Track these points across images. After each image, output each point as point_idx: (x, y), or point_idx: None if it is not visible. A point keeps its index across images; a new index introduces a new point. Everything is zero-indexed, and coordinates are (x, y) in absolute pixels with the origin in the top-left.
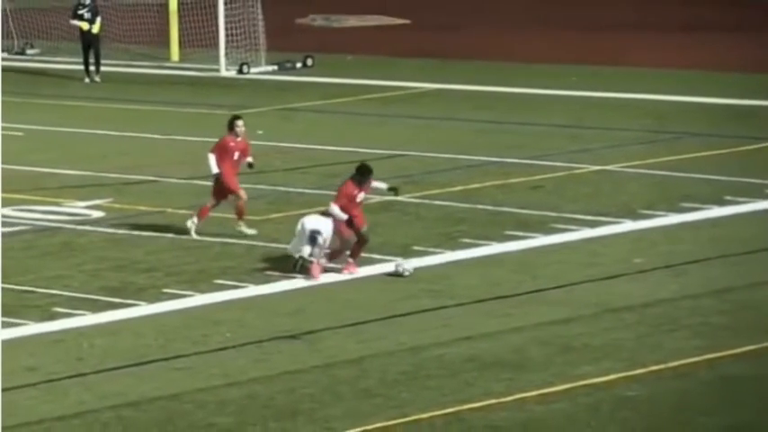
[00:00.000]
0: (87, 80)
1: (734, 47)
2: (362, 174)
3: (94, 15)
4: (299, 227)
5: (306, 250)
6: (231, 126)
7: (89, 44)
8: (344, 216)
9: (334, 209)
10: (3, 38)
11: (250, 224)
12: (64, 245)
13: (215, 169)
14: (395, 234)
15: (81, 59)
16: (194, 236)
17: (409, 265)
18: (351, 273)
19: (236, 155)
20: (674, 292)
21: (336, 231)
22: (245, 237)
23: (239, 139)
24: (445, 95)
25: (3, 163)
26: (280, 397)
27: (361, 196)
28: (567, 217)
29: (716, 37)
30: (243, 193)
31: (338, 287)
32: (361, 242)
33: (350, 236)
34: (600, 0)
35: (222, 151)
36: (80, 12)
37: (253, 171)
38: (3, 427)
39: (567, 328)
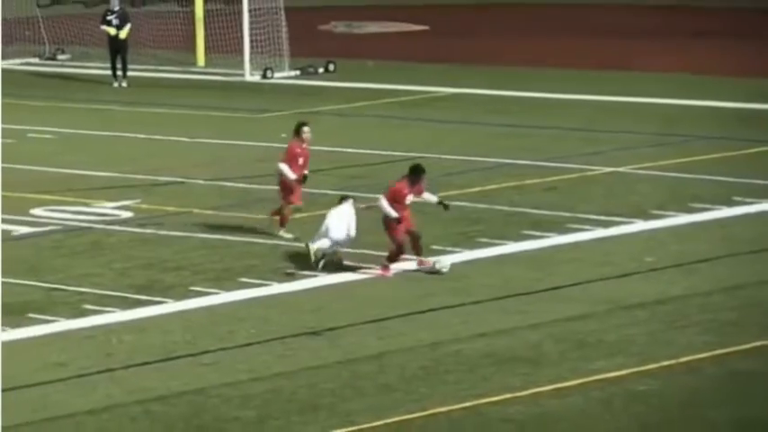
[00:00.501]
0: (116, 84)
1: (741, 52)
2: (416, 174)
3: (123, 22)
4: (323, 228)
5: (325, 243)
6: (298, 132)
7: (117, 49)
8: (394, 213)
9: (383, 203)
10: (35, 43)
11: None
12: (93, 244)
13: (293, 175)
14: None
15: (110, 64)
16: (286, 236)
17: (447, 261)
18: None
19: (301, 161)
20: (685, 290)
21: (388, 235)
22: (278, 238)
23: (304, 145)
24: (462, 99)
25: (35, 165)
26: (302, 391)
27: (410, 198)
28: (580, 217)
29: (723, 43)
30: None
31: (359, 285)
32: (415, 238)
33: (401, 238)
34: (611, 7)
35: (291, 157)
36: (108, 18)
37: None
38: (36, 421)
39: (582, 324)
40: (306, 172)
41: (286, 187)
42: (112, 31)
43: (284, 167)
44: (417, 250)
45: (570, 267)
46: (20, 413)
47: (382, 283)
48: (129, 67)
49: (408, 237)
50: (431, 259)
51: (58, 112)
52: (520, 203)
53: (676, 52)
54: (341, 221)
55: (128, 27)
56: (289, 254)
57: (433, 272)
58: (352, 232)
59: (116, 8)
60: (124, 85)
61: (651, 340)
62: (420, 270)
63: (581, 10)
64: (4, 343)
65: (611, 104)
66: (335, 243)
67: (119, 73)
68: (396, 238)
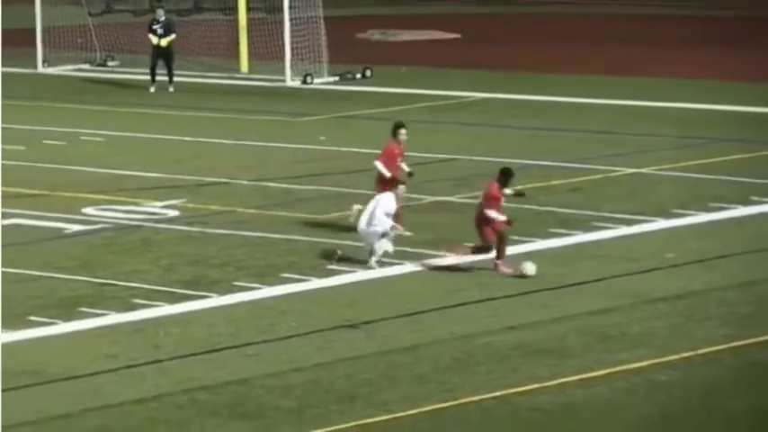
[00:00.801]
0: (152, 89)
1: (756, 59)
2: (506, 175)
3: (167, 32)
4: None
5: (386, 246)
6: (395, 133)
7: (161, 57)
8: (503, 217)
9: (493, 213)
10: (87, 50)
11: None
12: (142, 241)
13: (388, 173)
14: (449, 232)
15: (149, 70)
16: (405, 233)
17: (531, 266)
18: (505, 272)
19: (399, 160)
20: (704, 285)
21: (480, 235)
22: (318, 236)
23: (401, 146)
24: (491, 104)
25: (87, 166)
26: (340, 381)
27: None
28: (605, 216)
29: (738, 50)
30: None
31: (394, 280)
32: (502, 239)
33: (493, 239)
34: (634, 17)
35: (389, 158)
36: (154, 27)
37: (317, 173)
38: (88, 409)
39: (606, 317)
40: (408, 169)
41: (384, 185)
42: (155, 39)
43: (380, 165)
44: (501, 253)
45: (595, 263)
46: (73, 402)
47: (416, 278)
48: (177, 72)
49: (496, 238)
50: (524, 264)
51: (108, 115)
52: (547, 203)
53: (694, 59)
54: (363, 219)
55: (171, 37)
56: (328, 251)
57: (521, 276)
58: (377, 220)
59: (161, 18)
60: (171, 89)
61: (672, 333)
62: (503, 274)
63: (603, 20)
64: (58, 335)
65: (633, 108)
66: (381, 235)
67: (159, 78)
68: (489, 238)
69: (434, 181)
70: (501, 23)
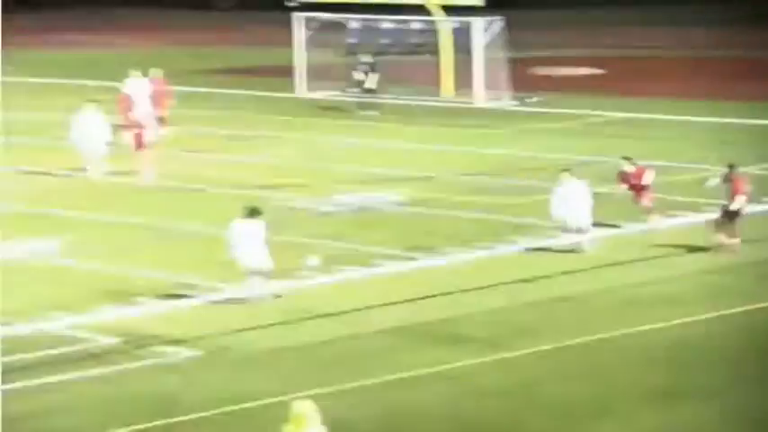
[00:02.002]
0: (364, 112)
1: None
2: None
3: (371, 71)
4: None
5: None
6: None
7: (367, 91)
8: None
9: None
10: (333, 80)
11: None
12: (378, 218)
13: (614, 191)
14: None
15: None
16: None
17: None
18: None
19: (629, 183)
20: (725, 263)
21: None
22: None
23: (632, 170)
24: (627, 122)
25: (336, 164)
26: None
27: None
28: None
29: None
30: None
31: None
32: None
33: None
34: (723, 59)
35: (619, 180)
36: (359, 67)
37: (501, 172)
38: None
39: (715, 275)
40: (642, 183)
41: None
42: (362, 76)
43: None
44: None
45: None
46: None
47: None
48: (398, 97)
49: None
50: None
51: (350, 128)
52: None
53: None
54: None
55: (377, 76)
56: (507, 226)
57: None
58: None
59: (368, 61)
60: (369, 113)
61: (697, 297)
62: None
63: (699, 62)
64: (322, 283)
65: (734, 125)
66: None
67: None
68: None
69: (588, 178)
70: (633, 63)
